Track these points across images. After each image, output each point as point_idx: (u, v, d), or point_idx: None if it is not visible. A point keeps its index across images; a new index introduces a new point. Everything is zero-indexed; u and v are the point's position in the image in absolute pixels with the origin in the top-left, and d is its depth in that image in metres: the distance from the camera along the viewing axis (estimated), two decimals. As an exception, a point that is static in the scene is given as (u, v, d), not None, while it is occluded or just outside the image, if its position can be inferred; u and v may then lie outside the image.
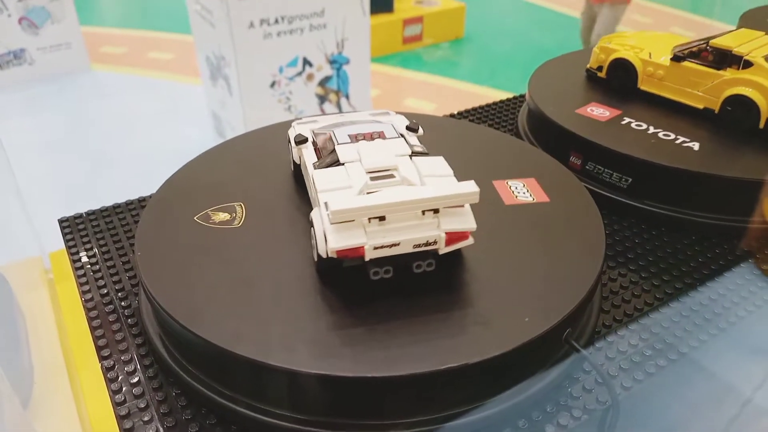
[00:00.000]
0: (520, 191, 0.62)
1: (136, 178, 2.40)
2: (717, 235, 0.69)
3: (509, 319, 0.48)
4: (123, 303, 0.59)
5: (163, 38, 3.97)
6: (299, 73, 2.39)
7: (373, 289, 0.49)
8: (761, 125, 0.73)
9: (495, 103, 0.97)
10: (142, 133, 2.85)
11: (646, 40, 0.86)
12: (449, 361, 0.43)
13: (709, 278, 0.64)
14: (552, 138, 0.78)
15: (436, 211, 0.48)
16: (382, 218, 0.47)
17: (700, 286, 0.63)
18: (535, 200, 0.61)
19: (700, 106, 0.78)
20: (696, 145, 0.72)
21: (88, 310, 0.59)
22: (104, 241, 0.67)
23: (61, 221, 0.70)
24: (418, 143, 0.57)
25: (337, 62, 2.45)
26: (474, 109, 0.95)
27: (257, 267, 0.53)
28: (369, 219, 0.47)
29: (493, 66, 3.58)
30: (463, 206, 0.49)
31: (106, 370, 0.52)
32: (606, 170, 0.72)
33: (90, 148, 2.75)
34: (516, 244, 0.56)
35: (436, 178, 0.50)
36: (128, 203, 0.73)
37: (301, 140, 0.59)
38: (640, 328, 0.58)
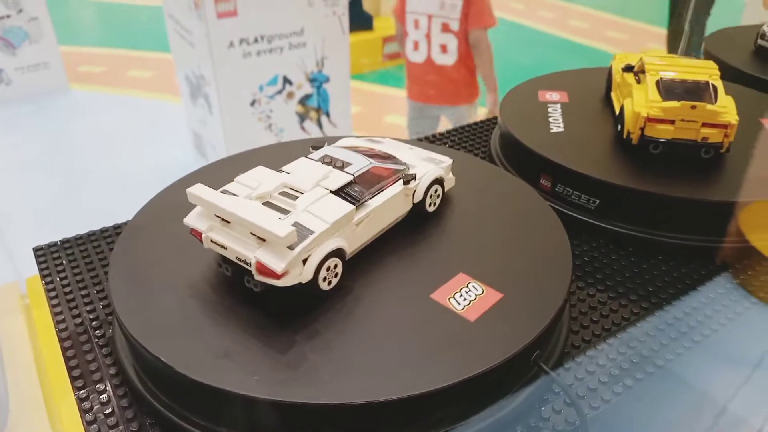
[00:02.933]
0: (464, 297, 0.54)
1: (116, 198, 2.38)
2: (683, 254, 0.71)
3: (475, 343, 0.49)
4: (97, 332, 0.59)
5: (142, 57, 3.97)
6: (279, 92, 2.40)
7: (347, 312, 0.50)
8: (624, 135, 0.76)
9: (469, 125, 0.99)
10: (121, 152, 2.84)
11: (653, 58, 0.88)
12: (421, 385, 0.44)
13: (675, 297, 0.66)
14: (522, 161, 0.80)
15: (262, 238, 0.49)
16: (227, 221, 0.51)
17: (666, 305, 0.65)
18: (458, 312, 0.52)
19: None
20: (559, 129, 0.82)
21: (62, 340, 0.59)
22: (79, 270, 0.67)
23: (35, 250, 0.70)
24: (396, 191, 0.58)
25: (317, 80, 2.47)
26: (449, 132, 0.97)
27: (232, 296, 0.53)
28: (217, 216, 0.51)
29: (472, 82, 3.62)
30: (292, 249, 0.48)
31: (79, 400, 0.53)
32: (574, 192, 0.73)
33: (68, 169, 2.74)
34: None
35: (309, 215, 0.51)
36: (103, 231, 0.73)
37: (315, 146, 0.63)
38: (608, 347, 0.59)
